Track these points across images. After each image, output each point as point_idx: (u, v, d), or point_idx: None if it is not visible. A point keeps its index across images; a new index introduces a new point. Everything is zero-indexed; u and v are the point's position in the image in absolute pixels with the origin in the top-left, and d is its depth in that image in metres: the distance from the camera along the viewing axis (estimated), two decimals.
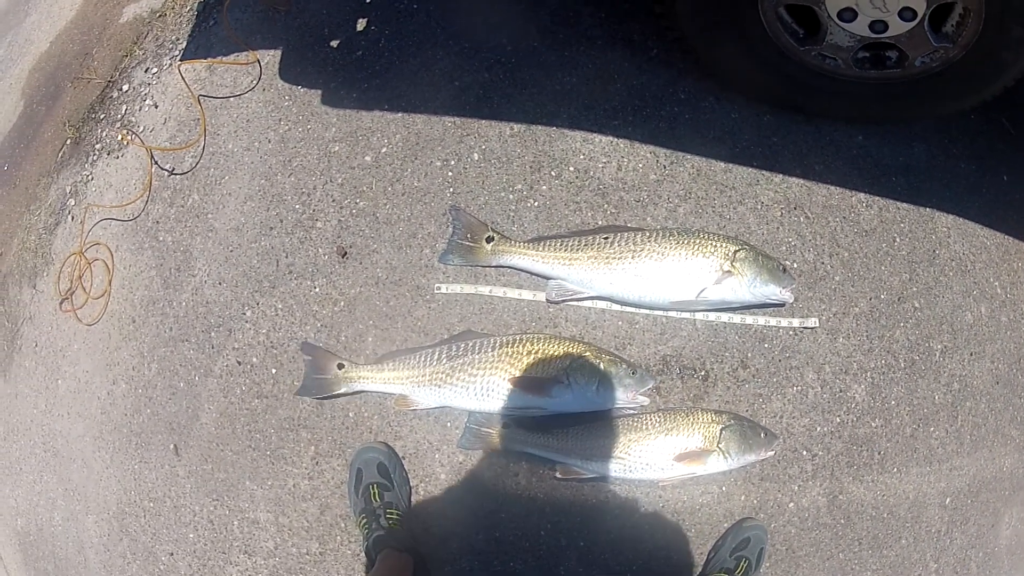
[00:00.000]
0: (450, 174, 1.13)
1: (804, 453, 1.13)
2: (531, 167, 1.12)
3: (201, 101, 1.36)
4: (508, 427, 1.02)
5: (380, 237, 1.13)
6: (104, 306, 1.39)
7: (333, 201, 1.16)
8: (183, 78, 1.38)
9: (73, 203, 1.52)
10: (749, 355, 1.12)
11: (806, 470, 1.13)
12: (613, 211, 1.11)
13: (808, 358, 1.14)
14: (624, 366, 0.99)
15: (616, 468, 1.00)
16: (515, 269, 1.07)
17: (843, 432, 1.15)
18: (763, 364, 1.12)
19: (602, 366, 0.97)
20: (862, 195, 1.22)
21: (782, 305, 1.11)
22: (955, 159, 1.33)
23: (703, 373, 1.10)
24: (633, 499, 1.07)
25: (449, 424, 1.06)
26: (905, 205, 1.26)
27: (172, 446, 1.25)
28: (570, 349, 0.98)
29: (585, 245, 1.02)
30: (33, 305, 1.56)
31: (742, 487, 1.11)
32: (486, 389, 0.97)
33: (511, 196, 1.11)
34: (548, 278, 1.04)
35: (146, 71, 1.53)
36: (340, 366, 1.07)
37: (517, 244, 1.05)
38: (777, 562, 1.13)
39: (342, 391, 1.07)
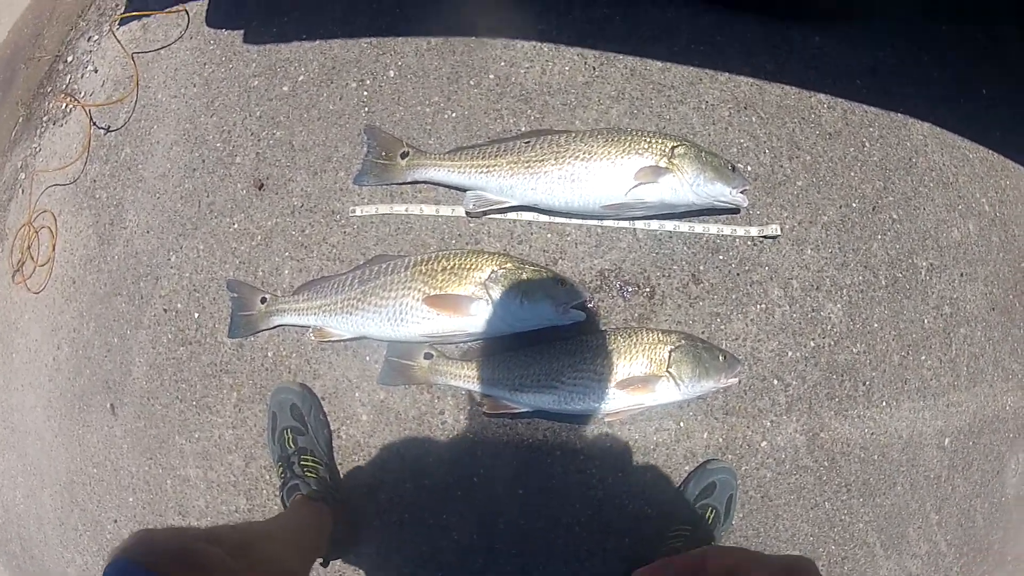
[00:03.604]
0: (365, 94, 1.07)
1: (775, 382, 0.99)
2: (448, 78, 1.05)
3: (135, 58, 1.34)
4: (429, 358, 0.93)
5: (296, 165, 1.06)
6: (49, 272, 1.37)
7: (251, 135, 1.11)
8: (117, 38, 1.37)
9: (23, 176, 1.53)
10: (701, 268, 0.99)
11: (779, 402, 0.99)
12: (537, 116, 1.02)
13: (772, 272, 1.01)
14: (551, 276, 0.89)
15: (550, 399, 0.89)
16: (432, 184, 0.99)
17: (819, 358, 1.01)
18: (719, 279, 0.99)
19: (525, 276, 0.87)
20: (822, 96, 1.11)
21: (736, 211, 0.99)
22: (926, 67, 1.22)
23: (648, 290, 0.98)
24: (576, 438, 0.95)
25: (368, 358, 0.98)
26: (873, 109, 1.14)
27: (109, 405, 1.21)
28: (490, 262, 0.88)
29: (504, 151, 0.93)
30: None
31: (703, 423, 0.97)
32: (399, 312, 0.89)
33: (428, 110, 1.03)
34: (466, 190, 0.96)
35: (88, 40, 1.53)
36: (263, 300, 1.00)
37: (432, 156, 0.97)
38: (751, 512, 0.99)
39: (267, 326, 1.00)
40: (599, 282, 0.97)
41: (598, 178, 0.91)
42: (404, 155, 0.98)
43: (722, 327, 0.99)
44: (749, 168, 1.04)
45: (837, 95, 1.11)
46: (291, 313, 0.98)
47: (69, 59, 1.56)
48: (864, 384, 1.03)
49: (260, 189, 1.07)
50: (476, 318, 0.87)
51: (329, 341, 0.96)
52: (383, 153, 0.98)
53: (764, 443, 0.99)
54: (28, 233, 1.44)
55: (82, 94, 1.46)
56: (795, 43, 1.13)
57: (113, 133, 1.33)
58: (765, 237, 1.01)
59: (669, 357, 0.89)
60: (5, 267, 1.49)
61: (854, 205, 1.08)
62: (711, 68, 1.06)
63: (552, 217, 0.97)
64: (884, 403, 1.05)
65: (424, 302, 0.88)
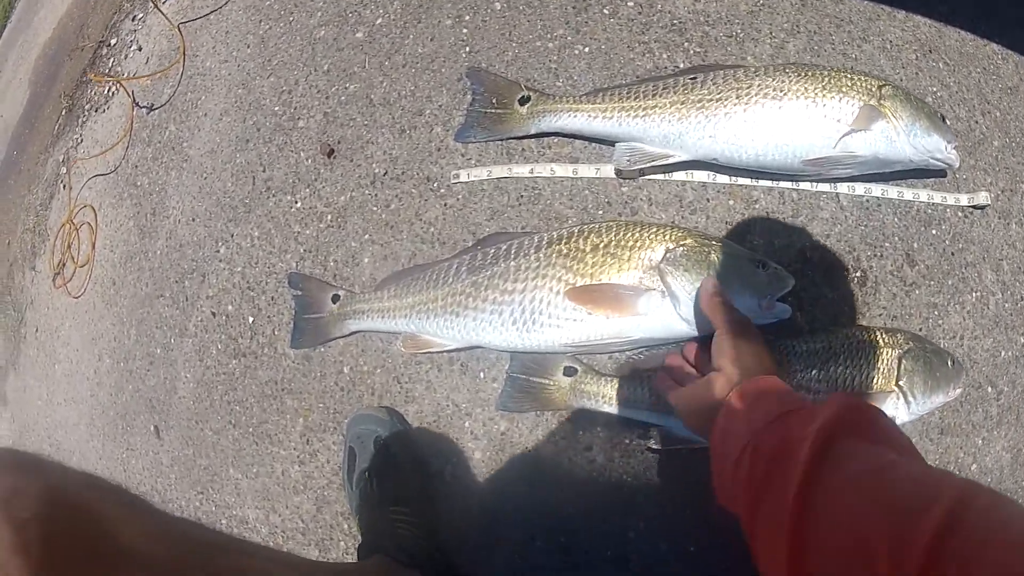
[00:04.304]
0: (465, 32, 0.83)
1: (989, 390, 0.79)
2: (574, 8, 0.80)
3: (181, 28, 1.18)
4: (572, 374, 0.67)
5: (376, 123, 0.84)
6: (88, 273, 1.22)
7: (318, 92, 0.90)
8: (161, 11, 1.21)
9: (64, 171, 1.40)
10: (915, 246, 0.76)
11: (991, 415, 0.79)
12: (698, 50, 0.77)
13: (984, 251, 0.80)
14: (750, 258, 0.62)
15: None
16: (565, 135, 0.74)
17: None
18: (934, 260, 0.77)
19: (715, 257, 0.60)
20: (995, 45, 0.92)
21: (943, 173, 0.77)
22: None
23: (859, 273, 0.73)
24: None
25: (483, 375, 0.73)
26: None
27: (153, 427, 1.02)
28: (662, 237, 0.62)
29: (666, 89, 0.67)
30: (33, 288, 1.44)
31: (918, 446, 0.75)
32: (529, 311, 0.64)
33: (551, 45, 0.79)
34: (615, 142, 0.70)
35: (133, 20, 1.39)
36: (336, 299, 0.77)
37: (565, 100, 0.72)
38: None
39: (341, 333, 0.78)
40: (799, 263, 0.70)
41: (796, 123, 0.66)
42: (524, 100, 0.73)
43: (940, 322, 0.76)
44: (947, 122, 0.82)
45: (1006, 46, 0.94)
46: (373, 315, 0.74)
47: (112, 42, 1.42)
48: None
49: (329, 156, 0.85)
50: (645, 318, 0.61)
51: (427, 352, 0.72)
52: (494, 100, 0.74)
53: (974, 466, 0.80)
54: (68, 231, 1.29)
55: (124, 74, 1.31)
56: None
57: (156, 111, 1.16)
58: (974, 207, 0.80)
59: (899, 366, 0.64)
60: (47, 270, 1.36)
61: None
62: (887, 4, 0.89)
63: (734, 177, 0.71)
64: None
65: (567, 295, 0.62)
